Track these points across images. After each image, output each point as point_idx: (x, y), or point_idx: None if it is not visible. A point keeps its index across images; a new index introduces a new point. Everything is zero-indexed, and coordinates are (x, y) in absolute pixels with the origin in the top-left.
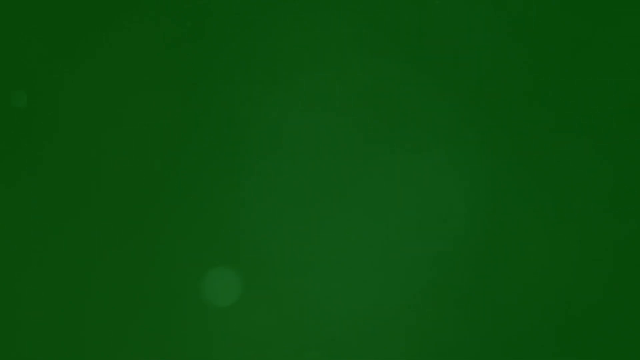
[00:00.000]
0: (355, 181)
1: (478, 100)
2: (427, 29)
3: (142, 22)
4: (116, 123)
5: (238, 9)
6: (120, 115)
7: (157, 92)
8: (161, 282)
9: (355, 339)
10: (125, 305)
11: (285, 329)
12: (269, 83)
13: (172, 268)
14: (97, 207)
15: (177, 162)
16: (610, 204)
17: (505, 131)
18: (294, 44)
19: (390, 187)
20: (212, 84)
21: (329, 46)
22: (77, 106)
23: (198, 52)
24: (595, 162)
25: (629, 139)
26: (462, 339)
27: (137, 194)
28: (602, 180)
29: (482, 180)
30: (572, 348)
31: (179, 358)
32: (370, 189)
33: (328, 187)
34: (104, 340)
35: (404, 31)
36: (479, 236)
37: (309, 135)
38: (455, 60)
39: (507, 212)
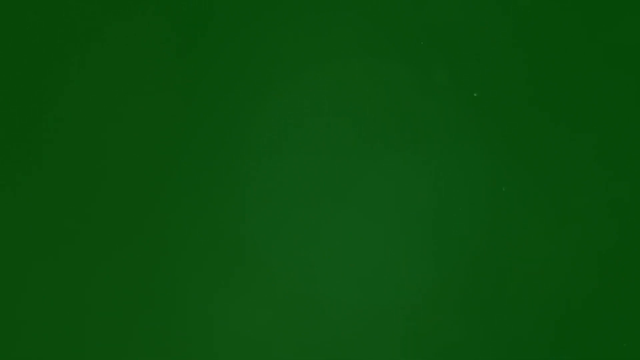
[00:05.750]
0: (356, 181)
1: (478, 100)
2: (427, 30)
3: (144, 23)
4: (118, 124)
5: (239, 10)
6: (123, 116)
7: (159, 93)
8: (162, 282)
9: (356, 338)
10: (127, 305)
11: (285, 329)
12: (270, 84)
13: (173, 268)
14: (99, 209)
15: (178, 164)
16: (609, 204)
17: (506, 131)
18: (295, 45)
19: (391, 187)
20: (212, 85)
21: (330, 47)
22: (79, 107)
23: (199, 53)
24: (595, 162)
25: (629, 138)
26: (462, 338)
27: (139, 194)
28: (602, 180)
29: (483, 180)
30: (571, 347)
31: (180, 358)
32: (371, 189)
33: (329, 187)
34: (105, 340)
35: (404, 32)
36: (479, 236)
37: (310, 136)
38: (455, 61)
39: (507, 212)
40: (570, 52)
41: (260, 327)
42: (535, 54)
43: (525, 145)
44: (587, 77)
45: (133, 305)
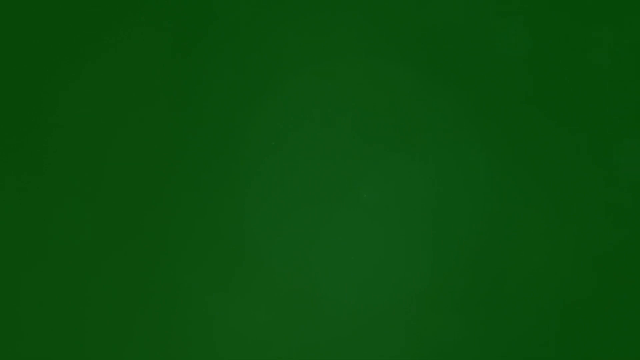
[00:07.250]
0: (356, 181)
1: (478, 100)
2: (427, 30)
3: (143, 25)
4: (118, 124)
5: (239, 10)
6: (123, 116)
7: (159, 93)
8: (162, 282)
9: (356, 338)
10: (127, 304)
11: (285, 328)
12: (271, 84)
13: (173, 268)
14: (99, 209)
15: (178, 164)
16: (609, 205)
17: (505, 131)
18: (295, 45)
19: (391, 187)
20: (213, 85)
21: (330, 47)
22: (79, 107)
23: (200, 53)
24: (595, 162)
25: (629, 138)
26: (461, 337)
27: (139, 194)
28: (602, 181)
29: (482, 180)
30: (570, 347)
31: (180, 358)
32: (371, 189)
33: (329, 187)
34: (105, 340)
35: (404, 33)
36: (478, 235)
37: (310, 136)
38: (455, 62)
39: (507, 212)
40: (570, 52)
41: (260, 327)
42: (536, 54)
43: (525, 145)
44: (587, 77)
45: (133, 305)
